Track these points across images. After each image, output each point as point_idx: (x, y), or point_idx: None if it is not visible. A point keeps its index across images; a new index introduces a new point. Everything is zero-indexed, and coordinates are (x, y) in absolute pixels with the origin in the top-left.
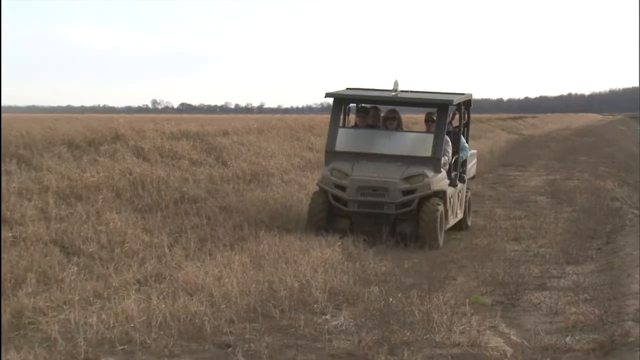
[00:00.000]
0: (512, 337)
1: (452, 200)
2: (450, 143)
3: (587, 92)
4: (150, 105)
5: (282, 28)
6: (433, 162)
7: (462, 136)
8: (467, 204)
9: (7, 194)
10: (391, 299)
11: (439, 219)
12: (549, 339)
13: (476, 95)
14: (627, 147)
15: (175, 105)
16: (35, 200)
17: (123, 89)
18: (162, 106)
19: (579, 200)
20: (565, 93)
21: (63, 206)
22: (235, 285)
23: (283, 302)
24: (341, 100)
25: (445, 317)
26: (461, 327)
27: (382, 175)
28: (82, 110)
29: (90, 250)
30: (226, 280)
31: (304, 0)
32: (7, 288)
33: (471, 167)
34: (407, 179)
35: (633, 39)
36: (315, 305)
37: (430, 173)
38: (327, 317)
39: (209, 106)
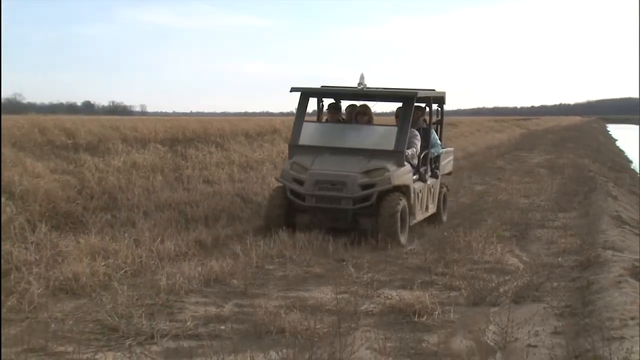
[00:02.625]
0: (523, 257)
1: (420, 195)
2: (419, 137)
3: (572, 102)
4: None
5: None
6: (396, 156)
7: (434, 133)
8: (441, 200)
9: (210, 166)
10: (445, 233)
11: (399, 214)
12: (547, 259)
13: (500, 104)
14: (597, 138)
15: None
16: (226, 169)
17: (280, 99)
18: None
19: (566, 171)
20: (557, 103)
21: (242, 173)
22: None
23: None
24: (306, 95)
25: (480, 244)
26: (490, 251)
27: (341, 169)
28: (253, 114)
29: (258, 200)
30: None
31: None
32: (209, 222)
33: (446, 164)
34: (366, 172)
35: (604, 62)
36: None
37: (391, 167)
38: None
39: None
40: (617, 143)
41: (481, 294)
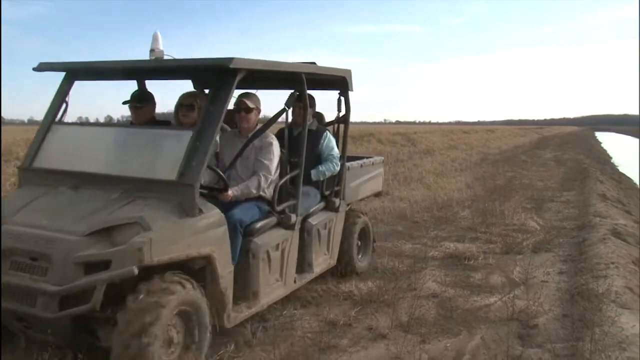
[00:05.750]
0: (540, 222)
1: (270, 256)
2: (276, 148)
3: (572, 116)
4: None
5: None
6: (180, 193)
7: (328, 138)
8: (353, 242)
9: None
10: (486, 204)
11: (153, 335)
12: (555, 223)
13: (523, 117)
14: (589, 141)
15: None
16: None
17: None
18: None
19: (568, 164)
20: (562, 116)
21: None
22: (419, 197)
23: (439, 205)
24: (71, 76)
25: (510, 212)
26: (517, 217)
27: (52, 224)
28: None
29: None
30: (417, 195)
31: None
32: None
33: (361, 184)
34: (94, 235)
35: (593, 86)
36: (454, 206)
37: (158, 221)
38: (458, 210)
39: None
40: (602, 145)
41: (510, 246)
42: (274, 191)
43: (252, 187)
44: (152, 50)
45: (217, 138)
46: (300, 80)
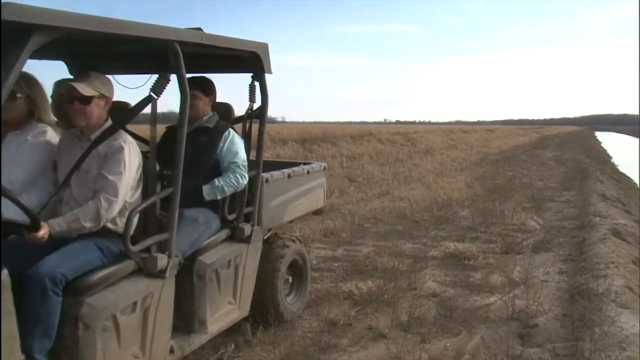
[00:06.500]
0: (539, 221)
1: (118, 324)
2: (132, 156)
3: (572, 116)
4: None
5: None
6: None
7: (233, 137)
8: (280, 278)
9: (327, 157)
10: (486, 204)
11: None
12: (555, 222)
13: (523, 116)
14: (589, 141)
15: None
16: (338, 159)
17: (369, 113)
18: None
19: (568, 163)
20: (562, 116)
21: (348, 161)
22: (419, 197)
23: (439, 204)
24: None
25: (510, 212)
26: (517, 217)
27: None
28: (355, 123)
29: (360, 180)
30: (417, 195)
31: None
32: (327, 195)
33: (300, 198)
34: None
35: (593, 86)
36: (454, 206)
37: None
38: (458, 210)
39: None
40: (602, 145)
41: (510, 246)
42: (127, 220)
43: (86, 218)
44: None
45: (52, 139)
46: (174, 54)
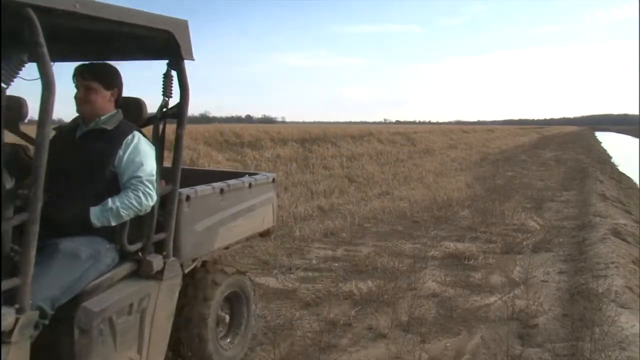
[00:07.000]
0: (539, 221)
1: None
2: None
3: (571, 116)
4: None
5: None
6: None
7: (138, 143)
8: (211, 318)
9: (327, 157)
10: (486, 204)
11: None
12: (555, 222)
13: (523, 116)
14: (589, 141)
15: None
16: (338, 159)
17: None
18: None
19: (568, 163)
20: (562, 116)
21: (349, 161)
22: (419, 197)
23: (439, 204)
24: None
25: (510, 212)
26: (517, 217)
27: None
28: (354, 123)
29: (360, 180)
30: (417, 195)
31: None
32: (327, 195)
33: (239, 218)
34: None
35: (593, 86)
36: (454, 206)
37: None
38: (458, 210)
39: None
40: (602, 145)
41: (510, 246)
42: None
43: None
44: None
45: None
46: (30, 24)
